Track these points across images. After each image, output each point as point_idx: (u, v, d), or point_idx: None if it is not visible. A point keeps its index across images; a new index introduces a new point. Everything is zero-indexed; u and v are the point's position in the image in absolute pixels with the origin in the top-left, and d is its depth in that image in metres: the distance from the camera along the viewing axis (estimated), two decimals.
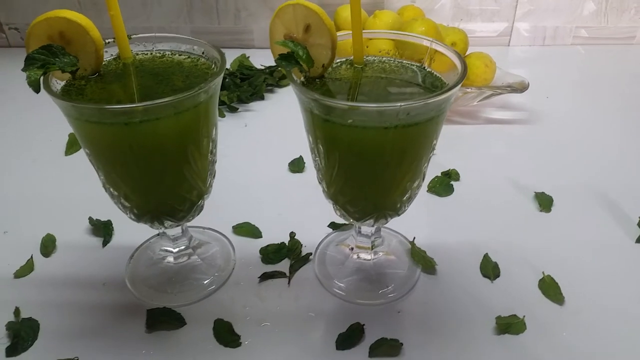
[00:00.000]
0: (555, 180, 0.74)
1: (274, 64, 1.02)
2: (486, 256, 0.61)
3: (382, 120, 0.42)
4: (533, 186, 0.73)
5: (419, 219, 0.67)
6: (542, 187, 0.72)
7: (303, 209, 0.70)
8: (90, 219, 0.66)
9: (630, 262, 0.61)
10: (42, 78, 0.44)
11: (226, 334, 0.53)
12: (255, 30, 1.13)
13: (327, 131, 0.45)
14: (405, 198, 0.50)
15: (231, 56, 1.03)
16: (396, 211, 0.51)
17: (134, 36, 0.52)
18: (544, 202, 0.69)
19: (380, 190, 0.48)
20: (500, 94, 0.84)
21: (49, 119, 0.90)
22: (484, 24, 1.12)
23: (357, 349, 0.52)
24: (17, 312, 0.55)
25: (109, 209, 0.66)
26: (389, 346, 0.51)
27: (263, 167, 0.78)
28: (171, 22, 1.11)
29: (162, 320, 0.54)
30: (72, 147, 0.81)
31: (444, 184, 0.72)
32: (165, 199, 0.49)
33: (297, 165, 0.77)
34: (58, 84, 0.47)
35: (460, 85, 0.43)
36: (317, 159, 0.50)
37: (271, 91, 0.98)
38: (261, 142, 0.84)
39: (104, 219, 0.67)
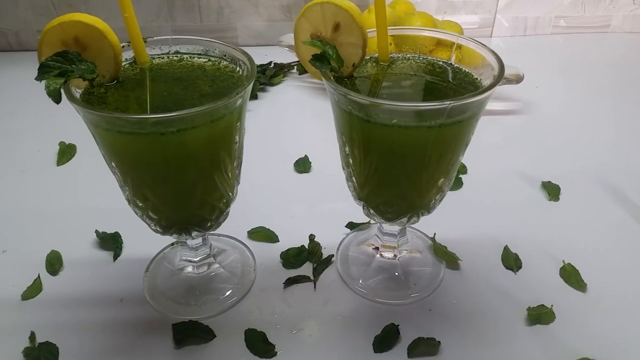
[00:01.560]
0: (557, 168, 0.76)
1: (264, 61, 1.01)
2: (506, 248, 0.61)
3: (427, 119, 0.41)
4: (538, 175, 0.74)
5: (433, 215, 0.67)
6: (547, 175, 0.73)
7: (316, 210, 0.69)
8: (96, 232, 0.63)
9: None
10: (62, 87, 0.41)
11: (260, 344, 0.51)
12: (238, 28, 1.10)
13: (366, 132, 0.44)
14: (439, 196, 0.50)
15: None
16: (429, 209, 0.51)
17: (150, 39, 0.50)
18: (552, 191, 0.70)
19: (418, 190, 0.48)
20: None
21: (33, 128, 0.86)
22: (467, 16, 1.13)
23: (395, 351, 0.51)
24: (32, 337, 0.51)
25: (114, 220, 0.64)
26: (426, 345, 0.51)
27: (268, 168, 0.76)
28: (151, 22, 1.07)
29: (190, 334, 0.52)
30: (63, 156, 0.76)
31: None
32: (196, 209, 0.47)
33: (302, 166, 0.76)
34: (77, 92, 0.44)
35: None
36: (349, 159, 0.49)
37: (264, 90, 0.96)
38: (262, 143, 0.82)
39: (110, 230, 0.63)
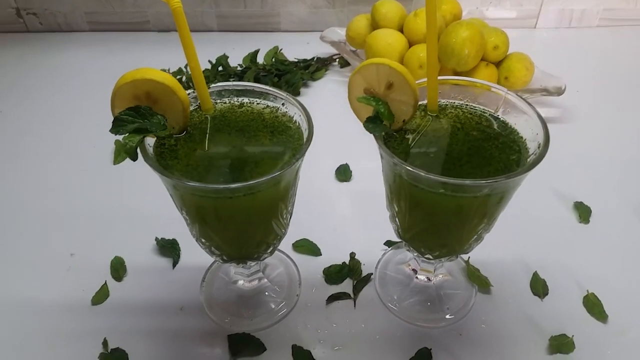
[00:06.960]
0: (591, 186, 0.77)
1: (308, 57, 1.02)
2: (536, 274, 0.65)
3: (476, 190, 0.44)
4: (572, 194, 0.75)
5: None
6: (580, 194, 0.75)
7: (357, 222, 0.72)
8: (156, 239, 0.68)
9: None
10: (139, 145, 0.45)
11: None
12: (282, 14, 1.11)
13: (413, 193, 0.47)
14: (478, 242, 0.54)
15: (259, 43, 1.03)
16: (466, 252, 0.55)
17: (213, 85, 0.53)
18: (584, 213, 0.73)
19: (459, 240, 0.51)
20: (535, 97, 0.85)
21: (85, 119, 0.90)
22: (513, 7, 1.11)
23: None
24: (105, 343, 0.58)
25: (171, 226, 0.68)
26: None
27: (309, 174, 0.78)
28: (195, 7, 1.08)
29: (245, 347, 0.58)
30: (119, 155, 0.81)
31: None
32: (253, 248, 0.52)
33: (343, 174, 0.79)
34: (150, 145, 0.48)
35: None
36: (394, 207, 0.52)
37: (305, 85, 0.98)
38: None
39: (167, 236, 0.69)
